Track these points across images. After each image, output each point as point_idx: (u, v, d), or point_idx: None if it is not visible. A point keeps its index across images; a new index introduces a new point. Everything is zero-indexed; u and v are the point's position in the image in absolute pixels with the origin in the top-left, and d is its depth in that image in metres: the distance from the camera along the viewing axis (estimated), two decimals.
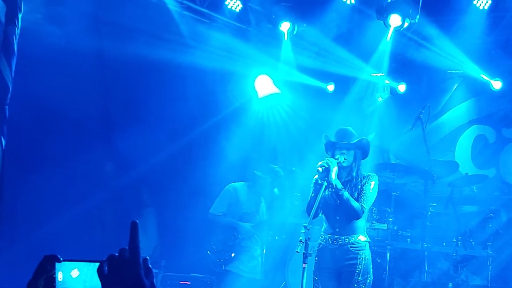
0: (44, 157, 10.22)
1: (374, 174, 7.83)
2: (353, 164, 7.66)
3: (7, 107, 8.74)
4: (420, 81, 12.37)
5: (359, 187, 7.60)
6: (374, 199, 7.73)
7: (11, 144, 8.90)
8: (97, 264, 2.38)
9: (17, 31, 8.88)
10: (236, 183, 10.37)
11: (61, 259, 2.48)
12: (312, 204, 7.48)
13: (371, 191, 7.59)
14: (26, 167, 9.83)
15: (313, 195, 7.59)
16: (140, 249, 2.38)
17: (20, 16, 8.89)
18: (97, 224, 11.42)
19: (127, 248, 2.39)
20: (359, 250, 7.55)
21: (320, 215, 7.80)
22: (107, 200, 11.37)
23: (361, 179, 7.66)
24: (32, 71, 9.36)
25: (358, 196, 7.53)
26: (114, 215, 11.69)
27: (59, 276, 2.46)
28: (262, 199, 10.32)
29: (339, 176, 7.55)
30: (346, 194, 7.40)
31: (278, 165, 10.66)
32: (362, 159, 7.87)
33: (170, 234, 11.88)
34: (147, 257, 2.42)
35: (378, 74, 11.78)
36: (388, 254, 10.00)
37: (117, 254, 2.37)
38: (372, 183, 7.63)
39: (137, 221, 2.46)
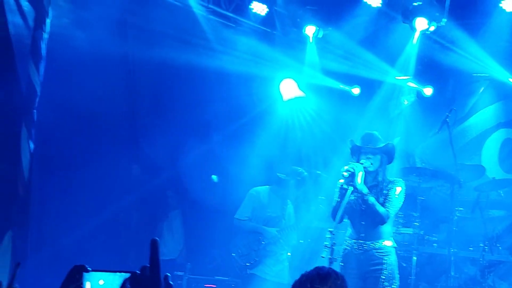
0: (71, 160, 10.30)
1: (400, 179, 7.78)
2: (379, 169, 7.63)
3: (35, 111, 8.85)
4: (446, 84, 12.29)
5: (385, 192, 7.57)
6: (400, 205, 7.69)
7: (39, 148, 9.00)
8: (123, 274, 2.42)
9: (45, 36, 8.99)
10: (260, 187, 10.34)
11: (89, 269, 2.52)
12: (337, 208, 7.46)
13: (397, 196, 7.55)
14: (53, 171, 9.91)
15: (338, 199, 7.58)
16: (160, 266, 2.42)
17: (48, 21, 9.00)
18: (124, 227, 11.50)
19: (148, 265, 2.44)
20: (384, 255, 7.51)
21: (345, 219, 7.78)
22: (134, 203, 11.45)
23: (387, 184, 7.62)
24: (60, 75, 9.45)
25: (384, 201, 7.50)
26: (140, 218, 11.77)
27: (87, 286, 2.50)
28: (289, 202, 10.26)
29: (365, 181, 7.53)
30: (371, 199, 7.38)
31: (303, 168, 10.63)
32: (388, 164, 7.83)
33: (195, 237, 11.92)
34: (168, 274, 2.46)
35: (404, 77, 11.72)
36: (414, 259, 9.94)
37: (138, 271, 2.41)
38: (399, 188, 7.59)
39: (157, 239, 2.49)
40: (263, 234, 9.98)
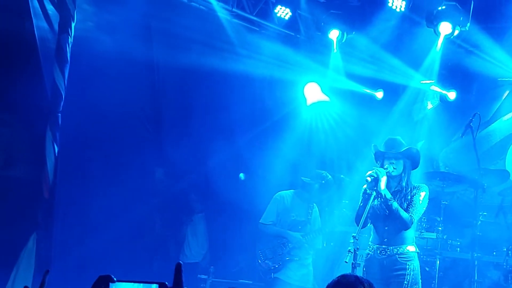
0: (96, 164, 10.39)
1: (424, 185, 7.74)
2: (403, 174, 7.60)
3: (60, 114, 8.93)
4: (470, 89, 12.21)
5: (409, 197, 7.54)
6: (424, 210, 7.65)
7: (64, 151, 9.07)
8: (147, 285, 2.45)
9: (70, 40, 9.08)
10: (285, 191, 10.31)
11: (115, 279, 2.55)
12: (360, 213, 7.45)
13: (421, 202, 7.52)
14: (78, 174, 9.99)
15: (361, 204, 7.57)
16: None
17: (73, 25, 9.08)
18: (148, 230, 11.57)
19: (168, 284, 2.46)
20: (407, 260, 7.48)
21: (368, 224, 7.77)
22: (158, 206, 11.52)
23: (411, 189, 7.59)
24: (84, 78, 9.53)
25: (407, 207, 7.47)
26: (165, 222, 11.83)
27: None
28: (314, 206, 10.23)
29: (388, 186, 7.52)
30: (395, 204, 7.36)
31: (327, 172, 10.61)
32: (413, 169, 7.81)
33: (219, 241, 11.96)
34: None
35: (428, 81, 11.68)
36: (438, 263, 9.92)
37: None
38: (423, 194, 7.55)
39: (181, 262, 2.52)
40: (287, 238, 9.97)
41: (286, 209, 10.10)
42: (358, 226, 7.36)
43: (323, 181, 10.17)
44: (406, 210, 7.44)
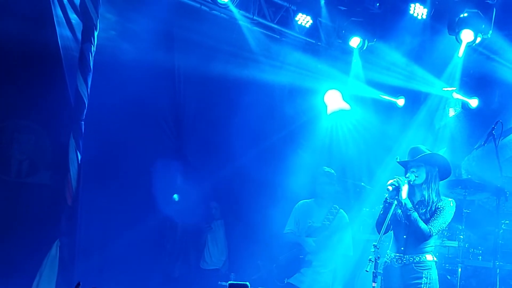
0: (118, 171, 10.46)
1: (452, 199, 7.62)
2: (425, 183, 7.51)
3: (83, 122, 9.01)
4: (493, 96, 12.14)
5: (433, 209, 7.47)
6: (445, 225, 7.56)
7: (87, 158, 9.16)
8: None
9: (93, 49, 9.17)
10: (306, 200, 10.27)
11: None
12: (381, 221, 7.43)
13: (443, 216, 7.42)
14: (101, 181, 10.06)
15: (381, 212, 7.54)
16: None
17: (96, 34, 9.17)
18: (169, 236, 11.62)
19: None
20: (424, 269, 7.42)
21: (390, 231, 7.74)
22: (179, 212, 11.57)
23: (436, 201, 7.51)
24: (106, 87, 9.61)
25: (429, 219, 7.42)
26: (185, 228, 11.88)
27: None
28: (339, 210, 10.03)
29: (413, 196, 7.49)
30: (414, 215, 7.32)
31: (347, 180, 10.58)
32: (443, 179, 7.72)
33: (240, 248, 11.97)
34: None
35: (450, 89, 11.64)
36: (459, 272, 9.87)
37: None
38: (447, 207, 7.44)
39: None
40: (302, 244, 9.94)
41: (305, 216, 10.04)
42: (378, 234, 7.34)
43: (328, 178, 10.09)
44: (427, 221, 7.39)
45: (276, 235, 10.49)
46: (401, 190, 7.30)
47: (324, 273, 9.98)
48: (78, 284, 3.01)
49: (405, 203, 7.33)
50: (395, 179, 7.35)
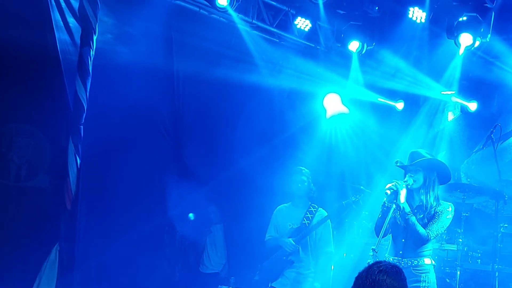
0: (117, 175, 10.44)
1: (451, 204, 7.63)
2: (423, 187, 7.53)
3: (82, 127, 9.01)
4: (492, 100, 12.16)
5: (432, 213, 7.48)
6: (443, 229, 7.58)
7: (86, 162, 9.15)
8: None
9: (92, 53, 9.16)
10: (284, 204, 10.13)
11: None
12: (379, 225, 7.46)
13: (441, 220, 7.44)
14: (100, 186, 10.05)
15: (380, 216, 7.57)
16: None
17: (95, 37, 9.17)
18: (169, 240, 11.61)
19: None
20: (422, 273, 7.43)
21: (389, 234, 7.75)
22: (179, 216, 11.56)
23: (435, 206, 7.52)
24: (105, 91, 9.60)
25: (427, 223, 7.43)
26: (185, 232, 11.88)
27: None
28: (318, 209, 9.87)
29: (412, 200, 7.51)
30: (412, 219, 7.33)
31: (346, 183, 10.55)
32: (442, 183, 7.73)
33: (239, 251, 11.97)
34: None
35: (449, 92, 11.65)
36: (458, 275, 9.88)
37: None
38: (445, 212, 7.46)
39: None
40: (282, 246, 9.85)
41: (283, 220, 9.92)
42: (377, 237, 7.35)
43: (300, 176, 10.00)
44: (425, 226, 7.40)
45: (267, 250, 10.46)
46: (399, 194, 7.32)
47: (307, 274, 9.75)
48: None
49: (403, 207, 7.35)
50: (393, 183, 7.37)
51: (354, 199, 10.25)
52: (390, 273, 4.51)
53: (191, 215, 11.86)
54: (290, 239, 9.73)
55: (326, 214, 9.87)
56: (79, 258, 9.19)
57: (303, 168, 10.04)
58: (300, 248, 9.73)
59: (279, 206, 10.13)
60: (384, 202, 7.47)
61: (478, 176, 11.98)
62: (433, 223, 7.42)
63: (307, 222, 9.82)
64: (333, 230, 10.14)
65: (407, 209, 7.35)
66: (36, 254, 8.87)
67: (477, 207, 11.47)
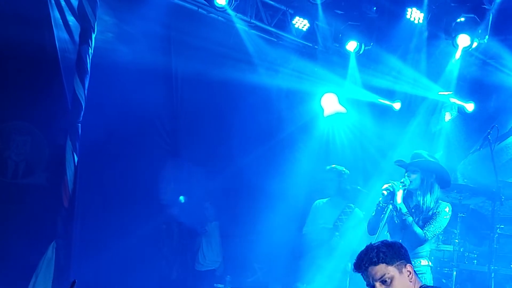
0: (114, 173, 10.45)
1: (449, 204, 7.64)
2: (420, 189, 7.55)
3: (79, 124, 9.03)
4: (489, 100, 12.16)
5: (430, 214, 7.49)
6: (441, 230, 7.58)
7: (84, 160, 9.17)
8: None
9: (91, 51, 9.17)
10: (322, 199, 10.10)
11: None
12: (372, 225, 7.50)
13: (438, 221, 7.44)
14: (97, 183, 10.07)
15: (373, 215, 7.58)
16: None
17: (93, 36, 9.18)
18: (166, 239, 11.62)
19: None
20: (419, 274, 7.43)
21: (385, 232, 7.74)
22: (176, 215, 11.58)
23: (432, 206, 7.52)
24: (104, 89, 9.62)
25: (424, 224, 7.44)
26: (182, 231, 11.89)
27: None
28: (353, 209, 9.91)
29: (410, 200, 7.52)
30: (409, 220, 7.34)
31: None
32: (442, 187, 7.72)
33: (236, 250, 11.97)
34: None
35: (446, 93, 11.67)
36: (454, 276, 9.88)
37: None
38: (442, 213, 7.47)
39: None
40: (313, 249, 9.80)
41: (317, 217, 9.92)
42: (370, 235, 7.38)
43: (339, 175, 9.99)
44: (422, 226, 7.41)
45: (272, 238, 10.47)
46: (396, 195, 7.33)
47: (335, 277, 9.74)
48: (74, 282, 3.02)
49: (400, 208, 7.36)
50: (390, 184, 7.38)
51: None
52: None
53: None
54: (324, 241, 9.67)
55: (361, 214, 9.88)
56: (76, 256, 9.20)
57: (337, 166, 10.07)
58: (331, 251, 9.68)
59: (317, 201, 10.10)
60: (379, 202, 7.49)
61: (475, 176, 11.96)
62: (430, 223, 7.43)
63: (340, 224, 9.83)
64: None
65: (404, 209, 7.37)
66: (33, 251, 8.89)
67: (474, 207, 11.46)
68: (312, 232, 9.91)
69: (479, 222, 10.90)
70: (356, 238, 9.72)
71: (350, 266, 9.69)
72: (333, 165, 10.09)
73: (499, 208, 10.24)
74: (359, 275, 4.88)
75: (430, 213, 7.48)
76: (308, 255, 9.81)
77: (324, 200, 10.05)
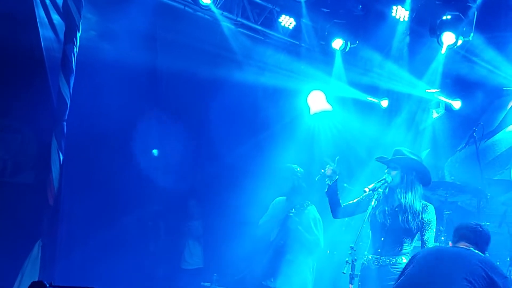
0: (99, 171, 10.47)
1: (430, 205, 7.54)
2: (399, 187, 7.51)
3: (65, 123, 9.03)
4: (476, 98, 12.19)
5: (420, 218, 7.46)
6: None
7: (69, 158, 9.18)
8: None
9: (76, 49, 9.17)
10: (280, 197, 9.95)
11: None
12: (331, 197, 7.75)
13: (432, 228, 7.41)
14: (82, 182, 10.08)
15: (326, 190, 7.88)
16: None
17: (78, 34, 9.18)
18: (152, 236, 11.64)
19: None
20: (400, 271, 7.47)
21: (368, 230, 7.76)
22: (162, 213, 11.59)
23: (419, 209, 7.46)
24: (88, 88, 9.63)
25: (421, 229, 7.44)
26: (168, 228, 11.90)
27: None
28: (309, 207, 9.62)
29: (392, 199, 7.51)
30: None
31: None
32: (423, 185, 7.67)
33: (222, 248, 11.98)
34: None
35: (433, 90, 11.69)
36: None
37: None
38: (433, 219, 7.45)
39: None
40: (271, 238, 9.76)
41: (274, 213, 9.79)
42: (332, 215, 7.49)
43: (284, 173, 9.96)
44: (416, 230, 7.43)
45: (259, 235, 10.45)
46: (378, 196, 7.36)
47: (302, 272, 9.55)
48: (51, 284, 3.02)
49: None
50: (372, 184, 7.38)
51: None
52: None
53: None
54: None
55: (313, 211, 9.62)
56: (61, 253, 9.20)
57: (290, 165, 10.01)
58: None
59: (277, 198, 9.96)
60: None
61: (462, 174, 11.99)
62: (428, 233, 7.43)
63: (287, 220, 9.72)
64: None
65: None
66: (19, 249, 8.87)
67: (461, 205, 11.50)
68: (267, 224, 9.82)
69: (465, 219, 10.90)
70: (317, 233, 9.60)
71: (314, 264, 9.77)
72: (287, 165, 10.02)
73: (485, 205, 10.27)
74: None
75: (421, 217, 7.46)
76: (273, 251, 9.77)
77: (282, 197, 9.99)
